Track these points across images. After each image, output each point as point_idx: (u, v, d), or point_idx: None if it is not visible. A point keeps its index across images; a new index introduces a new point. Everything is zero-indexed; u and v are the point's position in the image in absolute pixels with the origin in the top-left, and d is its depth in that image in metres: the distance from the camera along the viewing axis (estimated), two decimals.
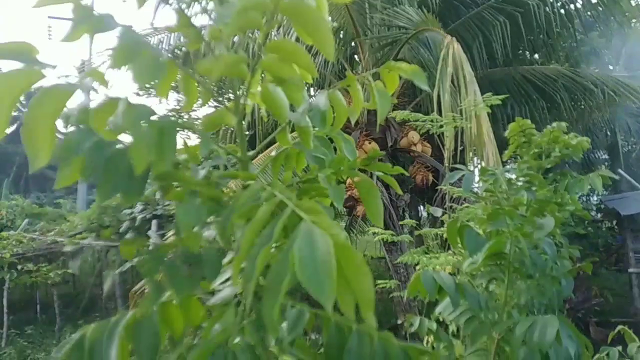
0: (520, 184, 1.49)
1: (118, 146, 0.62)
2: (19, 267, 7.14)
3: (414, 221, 4.13)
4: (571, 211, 1.70)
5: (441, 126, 3.67)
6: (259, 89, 0.71)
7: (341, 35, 8.34)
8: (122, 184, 0.62)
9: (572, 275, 1.44)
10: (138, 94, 10.80)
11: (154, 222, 8.11)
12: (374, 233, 3.98)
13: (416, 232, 4.08)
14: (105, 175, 0.61)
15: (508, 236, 1.34)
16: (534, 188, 1.43)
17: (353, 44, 8.03)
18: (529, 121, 1.72)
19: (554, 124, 1.67)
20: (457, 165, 1.41)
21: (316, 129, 0.69)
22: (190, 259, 0.64)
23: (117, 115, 0.57)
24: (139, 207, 10.76)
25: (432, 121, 3.70)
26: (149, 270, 0.64)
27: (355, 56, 8.85)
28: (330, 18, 7.97)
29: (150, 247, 0.68)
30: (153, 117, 0.61)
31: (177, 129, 0.62)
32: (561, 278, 1.35)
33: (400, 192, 0.83)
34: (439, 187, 6.40)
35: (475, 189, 2.24)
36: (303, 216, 0.49)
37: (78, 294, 10.83)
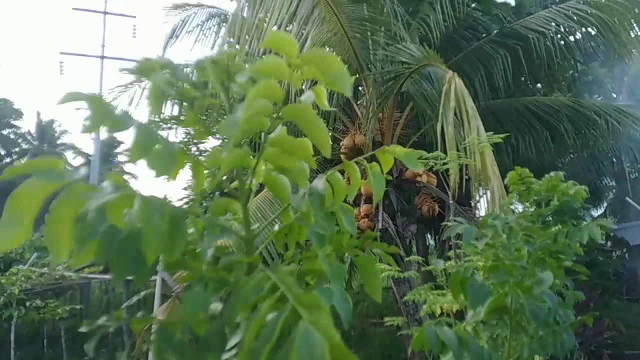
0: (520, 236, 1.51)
1: (130, 231, 0.67)
2: (27, 303, 7.16)
3: (419, 257, 4.12)
4: (572, 260, 1.73)
5: (444, 163, 3.71)
6: (263, 170, 0.76)
7: (346, 68, 8.50)
8: (133, 267, 0.66)
9: (574, 327, 1.45)
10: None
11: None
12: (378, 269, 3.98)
13: (423, 269, 4.07)
14: (118, 259, 0.66)
15: (509, 290, 1.36)
16: (533, 238, 1.45)
17: (358, 75, 8.19)
18: (527, 170, 1.77)
19: (552, 173, 1.71)
20: (458, 219, 1.44)
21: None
22: (196, 337, 0.68)
23: (131, 213, 0.62)
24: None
25: (435, 158, 3.75)
26: (159, 352, 0.68)
27: (360, 88, 8.99)
28: (334, 52, 8.16)
29: (158, 326, 0.72)
30: (165, 208, 0.66)
31: (187, 217, 0.67)
32: (563, 332, 1.36)
33: (395, 267, 0.86)
34: (445, 221, 6.40)
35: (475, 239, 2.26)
36: (302, 315, 0.53)
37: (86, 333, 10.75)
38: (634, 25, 7.17)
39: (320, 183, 0.75)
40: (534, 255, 1.59)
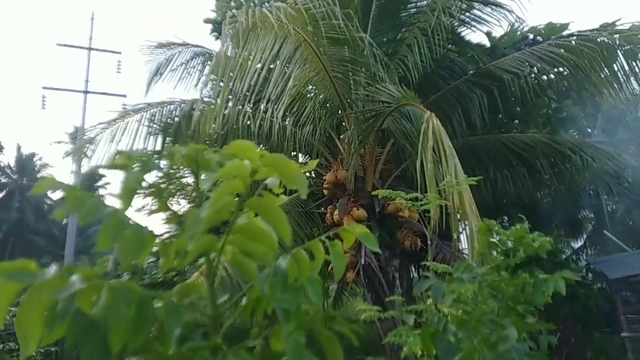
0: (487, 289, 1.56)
1: (96, 318, 0.70)
2: (1, 345, 6.93)
3: (400, 298, 4.14)
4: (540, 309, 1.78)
5: (424, 204, 3.79)
6: (230, 250, 0.80)
7: (328, 106, 8.68)
8: (99, 353, 0.69)
9: None
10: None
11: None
12: (359, 310, 3.98)
13: (402, 309, 4.05)
14: (84, 342, 0.69)
15: (477, 346, 1.40)
16: (499, 294, 1.50)
17: (340, 112, 8.35)
18: (494, 222, 1.84)
19: (518, 225, 1.78)
20: (426, 274, 1.49)
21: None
22: None
23: (99, 305, 0.65)
24: (125, 276, 10.59)
25: (414, 199, 3.82)
26: None
27: (343, 123, 9.15)
28: (316, 90, 8.34)
29: None
30: (132, 295, 0.69)
31: (154, 300, 0.70)
32: None
33: (356, 342, 0.90)
34: (427, 255, 6.46)
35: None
36: None
37: None
38: (603, 66, 7.50)
39: (283, 262, 0.80)
40: (502, 307, 1.64)
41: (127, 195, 0.67)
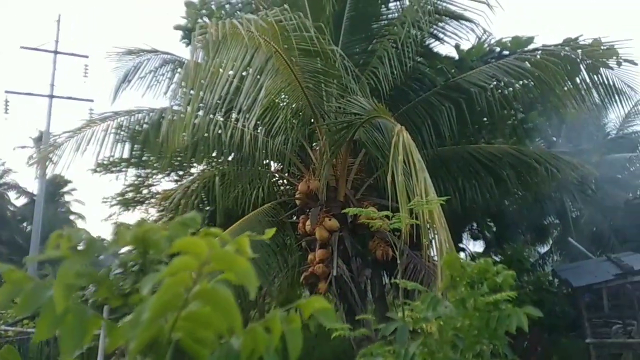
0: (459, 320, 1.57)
1: None
2: None
3: (370, 316, 4.14)
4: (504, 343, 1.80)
5: (393, 223, 3.81)
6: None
7: (300, 116, 8.66)
8: None
9: None
10: (95, 170, 10.72)
11: (105, 307, 7.75)
12: (328, 329, 3.97)
13: (373, 327, 4.06)
14: None
15: None
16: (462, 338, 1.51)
17: (312, 121, 8.34)
18: (461, 255, 1.86)
19: (482, 260, 1.80)
20: (391, 315, 1.48)
21: None
22: None
23: None
24: (91, 288, 10.26)
25: (386, 217, 3.84)
26: None
27: (316, 132, 9.14)
28: (288, 100, 8.31)
29: None
30: None
31: None
32: None
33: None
34: (398, 264, 6.50)
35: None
36: None
37: None
38: (567, 79, 7.74)
39: (236, 344, 0.77)
40: (467, 342, 1.65)
41: (64, 291, 0.63)
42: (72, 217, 28.68)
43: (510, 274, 1.76)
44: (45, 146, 10.04)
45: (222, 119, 8.58)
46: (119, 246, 0.69)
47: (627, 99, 8.12)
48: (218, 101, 7.81)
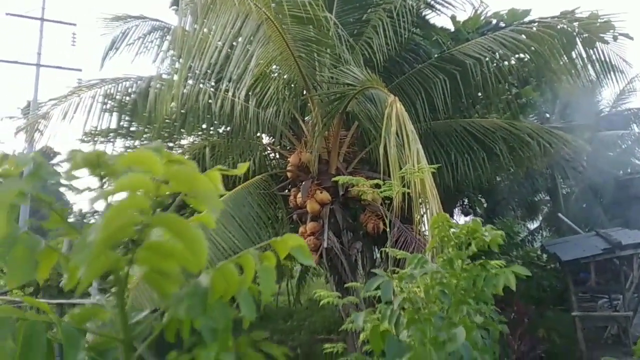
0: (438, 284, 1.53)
1: None
2: None
3: (359, 284, 4.14)
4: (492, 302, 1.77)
5: (384, 191, 3.76)
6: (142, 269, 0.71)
7: (292, 87, 8.51)
8: None
9: None
10: (83, 140, 10.53)
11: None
12: (317, 296, 3.95)
13: (362, 294, 4.05)
14: None
15: (425, 345, 1.37)
16: (448, 292, 1.47)
17: (304, 92, 8.20)
18: (447, 215, 1.81)
19: (471, 219, 1.75)
20: (376, 270, 1.44)
21: None
22: None
23: None
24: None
25: (377, 185, 3.79)
26: None
27: (308, 104, 9.01)
28: (280, 70, 8.15)
29: None
30: (18, 325, 0.60)
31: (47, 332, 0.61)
32: None
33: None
34: (389, 238, 6.50)
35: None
36: None
37: None
38: (563, 53, 7.64)
39: (205, 279, 0.71)
40: (453, 301, 1.62)
41: (6, 213, 0.56)
42: (61, 189, 28.43)
43: (499, 233, 1.72)
44: (32, 115, 9.83)
45: (212, 88, 8.42)
46: (72, 170, 0.63)
47: (622, 75, 8.05)
48: (208, 70, 7.66)
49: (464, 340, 1.36)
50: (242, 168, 0.77)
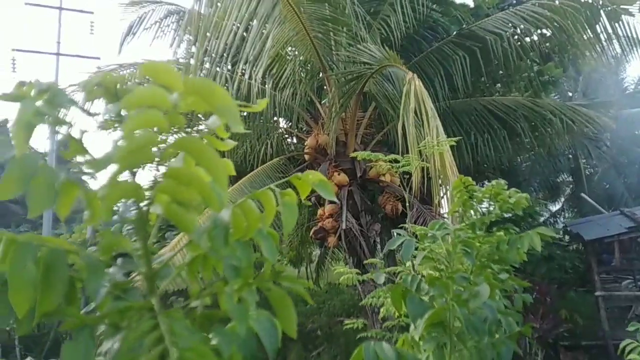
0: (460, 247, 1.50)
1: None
2: None
3: (378, 260, 4.13)
4: (514, 267, 1.74)
5: (403, 166, 3.72)
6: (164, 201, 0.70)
7: (308, 68, 8.46)
8: (5, 316, 0.60)
9: (514, 338, 1.45)
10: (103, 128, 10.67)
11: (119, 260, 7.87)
12: (338, 272, 3.97)
13: (381, 270, 4.03)
14: None
15: (448, 303, 1.35)
16: (472, 250, 1.44)
17: (320, 74, 8.13)
18: (470, 178, 1.76)
19: (494, 182, 1.71)
20: (398, 230, 1.41)
21: None
22: None
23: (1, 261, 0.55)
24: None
25: (394, 161, 3.75)
26: None
27: (325, 87, 8.95)
28: (296, 52, 8.10)
29: None
30: (39, 251, 0.59)
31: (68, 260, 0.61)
32: (501, 345, 1.36)
33: (310, 301, 0.82)
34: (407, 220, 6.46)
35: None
36: None
37: (42, 335, 10.38)
38: (587, 27, 7.39)
39: (225, 214, 0.70)
40: (476, 264, 1.59)
41: (23, 131, 0.55)
42: (84, 177, 28.90)
43: (524, 196, 1.67)
44: None
45: (228, 72, 8.41)
46: (88, 99, 0.61)
47: None
48: (224, 54, 7.64)
49: (488, 299, 1.34)
50: (261, 105, 0.75)
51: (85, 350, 0.58)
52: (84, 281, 0.61)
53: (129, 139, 0.53)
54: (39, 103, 0.57)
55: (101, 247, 0.66)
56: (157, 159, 0.60)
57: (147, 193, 0.66)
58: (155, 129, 0.56)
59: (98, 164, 0.54)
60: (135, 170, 0.61)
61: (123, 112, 0.59)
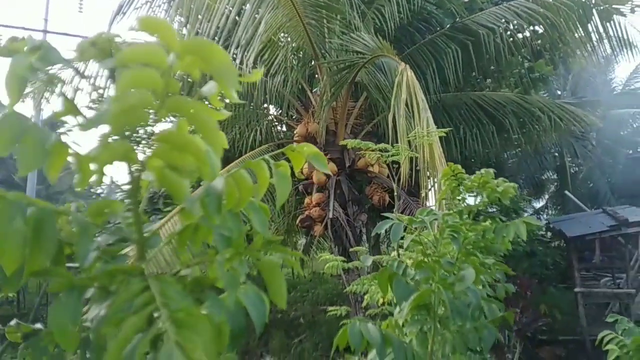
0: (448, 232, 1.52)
1: None
2: None
3: (364, 248, 4.15)
4: (501, 255, 1.76)
5: (392, 155, 3.73)
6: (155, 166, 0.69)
7: (300, 55, 8.40)
8: None
9: (497, 323, 1.48)
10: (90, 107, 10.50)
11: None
12: (323, 259, 3.98)
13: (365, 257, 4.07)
14: None
15: (433, 287, 1.36)
16: (459, 235, 1.46)
17: (312, 62, 8.08)
18: (459, 166, 1.78)
19: (483, 170, 1.73)
20: (387, 214, 1.42)
21: None
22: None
23: None
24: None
25: (383, 150, 3.75)
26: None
27: (316, 75, 8.90)
28: (289, 38, 8.03)
29: (33, 336, 0.65)
30: (29, 209, 0.58)
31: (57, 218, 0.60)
32: (484, 328, 1.38)
33: (301, 271, 0.82)
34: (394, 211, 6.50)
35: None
36: (170, 334, 0.48)
37: (22, 315, 10.28)
38: (578, 26, 7.45)
39: (219, 183, 0.70)
40: (462, 251, 1.61)
41: (15, 85, 0.54)
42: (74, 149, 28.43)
43: (511, 185, 1.69)
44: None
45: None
46: (82, 60, 0.60)
47: (637, 51, 7.87)
48: (215, 37, 7.55)
49: (473, 284, 1.35)
50: (256, 75, 0.74)
51: (74, 312, 0.57)
52: (74, 243, 0.60)
53: (122, 98, 0.52)
54: (32, 58, 0.56)
55: (91, 210, 0.65)
56: (151, 121, 0.59)
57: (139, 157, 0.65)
58: (150, 90, 0.55)
59: (89, 123, 0.54)
60: (127, 132, 0.60)
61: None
